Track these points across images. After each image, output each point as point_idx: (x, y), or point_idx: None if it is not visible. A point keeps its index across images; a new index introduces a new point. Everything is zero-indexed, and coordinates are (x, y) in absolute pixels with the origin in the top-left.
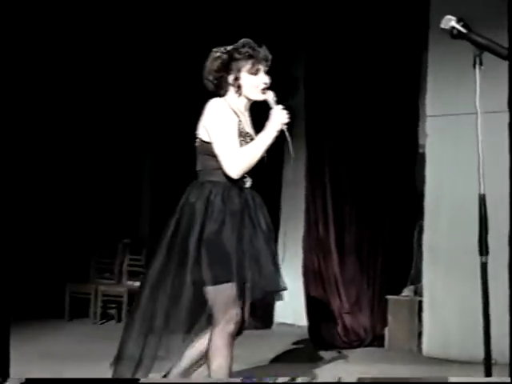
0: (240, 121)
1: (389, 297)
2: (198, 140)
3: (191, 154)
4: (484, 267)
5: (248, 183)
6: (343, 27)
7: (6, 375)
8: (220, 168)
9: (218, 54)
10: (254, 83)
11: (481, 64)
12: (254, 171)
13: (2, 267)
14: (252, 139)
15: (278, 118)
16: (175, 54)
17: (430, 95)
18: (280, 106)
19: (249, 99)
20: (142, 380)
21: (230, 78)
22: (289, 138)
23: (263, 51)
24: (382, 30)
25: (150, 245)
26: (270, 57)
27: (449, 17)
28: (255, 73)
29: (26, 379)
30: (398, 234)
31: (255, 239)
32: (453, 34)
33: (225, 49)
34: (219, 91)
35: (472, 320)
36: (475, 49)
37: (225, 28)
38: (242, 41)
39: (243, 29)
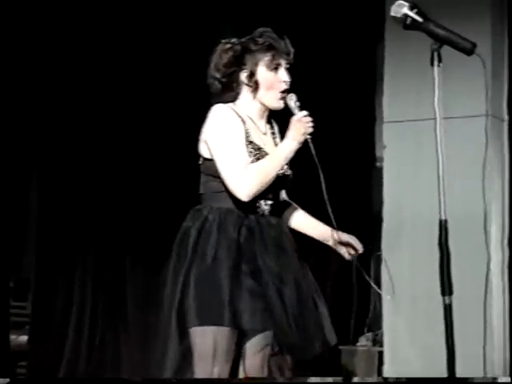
0: (248, 130)
1: (342, 347)
2: (200, 158)
3: (95, 173)
4: (447, 310)
5: (264, 208)
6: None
7: None
8: (224, 190)
9: (229, 45)
10: (272, 81)
11: (440, 60)
12: (274, 192)
13: None
14: (266, 154)
15: (300, 126)
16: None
17: (388, 96)
18: (303, 113)
19: (263, 104)
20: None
21: (244, 75)
22: (313, 150)
23: (285, 43)
24: (328, 15)
25: (38, 289)
26: (292, 50)
27: (400, 2)
28: (275, 68)
29: (11, 379)
30: (350, 270)
31: (266, 275)
32: (405, 23)
33: (237, 39)
34: (227, 93)
35: (440, 372)
36: (433, 42)
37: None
38: (260, 30)
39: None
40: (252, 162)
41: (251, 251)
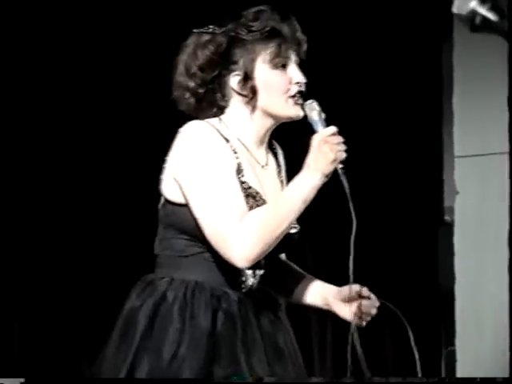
0: (240, 163)
1: None
2: (161, 200)
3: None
4: None
5: (251, 282)
6: None
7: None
8: (198, 252)
9: (207, 36)
10: (279, 83)
11: None
12: (269, 258)
13: None
14: (264, 200)
15: (327, 149)
16: None
17: (461, 122)
18: (331, 129)
19: (272, 115)
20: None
21: (234, 80)
22: (346, 186)
23: (292, 26)
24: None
25: None
26: (303, 37)
27: None
28: (282, 65)
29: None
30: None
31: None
32: (474, 23)
33: (218, 26)
34: (207, 110)
35: None
36: None
37: None
38: (253, 10)
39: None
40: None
41: (231, 350)
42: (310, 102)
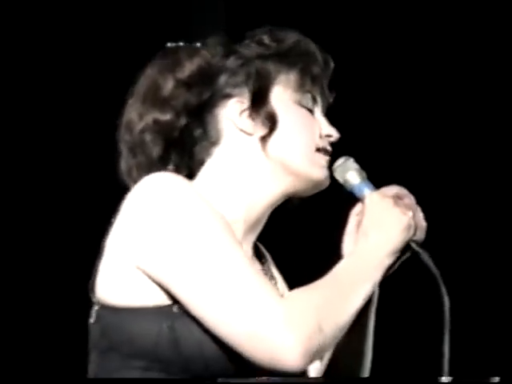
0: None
1: None
2: (93, 309)
3: None
4: None
5: None
6: None
7: None
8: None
9: (199, 54)
10: (309, 124)
11: None
12: None
13: None
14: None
15: (398, 213)
16: None
17: None
18: (396, 188)
19: (291, 172)
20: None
21: (234, 108)
22: (431, 265)
23: (318, 53)
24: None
25: None
26: (331, 64)
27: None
28: (310, 106)
29: None
30: None
31: None
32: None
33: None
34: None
35: None
36: None
37: None
38: (265, 29)
39: None
40: None
41: None
42: (341, 161)
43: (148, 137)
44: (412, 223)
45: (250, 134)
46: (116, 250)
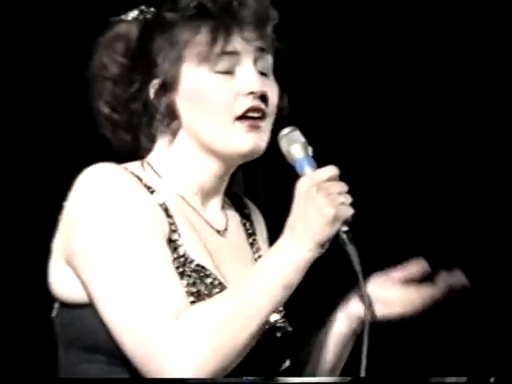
0: (173, 225)
1: None
2: (55, 306)
3: None
4: None
5: None
6: None
7: None
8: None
9: (123, 26)
10: (219, 95)
11: None
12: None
13: None
14: (220, 284)
15: (324, 203)
16: None
17: None
18: (329, 170)
19: (211, 150)
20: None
21: (152, 92)
22: (356, 260)
23: (242, 2)
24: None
25: None
26: (267, 16)
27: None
28: (227, 69)
29: None
30: None
31: None
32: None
33: (139, 11)
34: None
35: None
36: None
37: None
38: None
39: None
40: (192, 301)
41: None
42: (287, 130)
43: (107, 126)
44: (339, 215)
45: (166, 119)
46: (55, 248)
